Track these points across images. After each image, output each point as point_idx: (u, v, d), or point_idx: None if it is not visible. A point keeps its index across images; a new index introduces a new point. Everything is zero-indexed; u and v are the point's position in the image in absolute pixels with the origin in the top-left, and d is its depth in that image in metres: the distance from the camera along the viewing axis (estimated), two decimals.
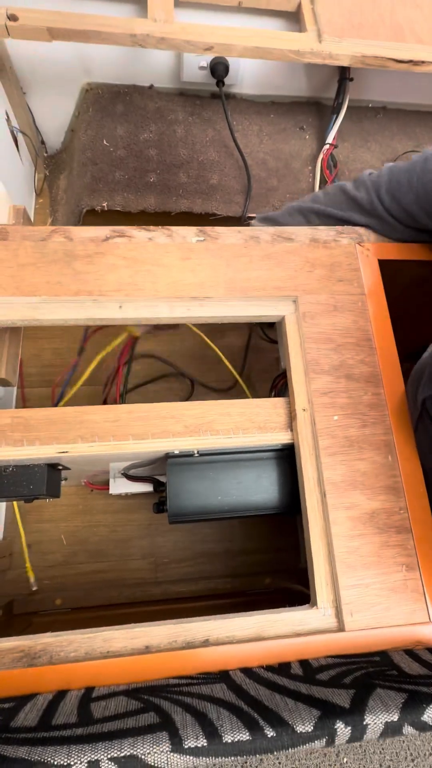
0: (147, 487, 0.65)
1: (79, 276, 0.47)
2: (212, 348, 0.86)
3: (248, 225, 0.63)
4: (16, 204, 0.62)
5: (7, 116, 0.81)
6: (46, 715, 0.30)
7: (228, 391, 0.84)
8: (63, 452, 0.44)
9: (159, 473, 0.65)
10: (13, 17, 0.62)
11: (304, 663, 0.36)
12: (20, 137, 0.86)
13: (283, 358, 0.69)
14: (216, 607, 0.66)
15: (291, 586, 0.71)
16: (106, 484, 0.69)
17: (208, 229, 0.53)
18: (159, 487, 0.60)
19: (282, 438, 0.47)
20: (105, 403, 0.70)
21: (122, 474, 0.63)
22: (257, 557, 0.76)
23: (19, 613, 0.67)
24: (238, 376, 0.71)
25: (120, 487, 0.66)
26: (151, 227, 0.52)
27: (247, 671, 0.35)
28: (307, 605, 0.41)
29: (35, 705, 0.32)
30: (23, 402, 0.81)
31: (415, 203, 0.51)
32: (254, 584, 0.73)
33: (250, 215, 0.80)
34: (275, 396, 0.70)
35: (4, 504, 0.74)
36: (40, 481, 0.47)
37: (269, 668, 0.36)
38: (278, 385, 0.78)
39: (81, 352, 0.64)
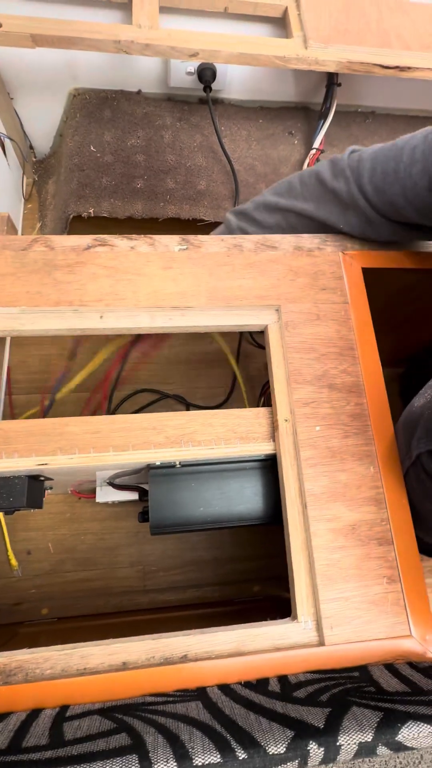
0: (133, 496, 0.65)
1: (59, 286, 0.47)
2: (199, 353, 0.85)
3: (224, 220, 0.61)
4: (1, 211, 0.62)
5: None
6: (17, 736, 0.30)
7: (220, 407, 0.83)
8: (42, 464, 0.44)
9: (144, 482, 0.64)
10: None
11: (282, 679, 0.36)
12: (7, 143, 0.85)
13: (268, 368, 0.69)
14: (203, 617, 0.65)
15: (279, 593, 0.70)
16: (93, 492, 0.68)
17: (191, 237, 0.52)
18: (144, 496, 0.60)
19: (264, 449, 0.47)
20: (93, 412, 0.71)
21: (108, 483, 0.63)
22: (246, 564, 0.76)
23: (5, 624, 0.66)
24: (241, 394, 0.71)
25: (106, 495, 0.66)
26: (134, 236, 0.52)
27: (224, 688, 0.35)
28: (288, 618, 0.40)
29: (7, 726, 0.31)
30: (11, 408, 0.81)
31: (402, 195, 0.46)
32: (243, 592, 0.73)
33: None
34: (263, 403, 0.70)
35: None
36: (20, 493, 0.46)
37: (247, 684, 0.35)
38: (266, 392, 0.78)
39: (72, 358, 0.64)
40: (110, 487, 0.65)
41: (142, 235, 0.52)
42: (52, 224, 0.88)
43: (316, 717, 0.30)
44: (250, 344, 0.84)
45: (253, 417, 0.47)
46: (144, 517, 0.59)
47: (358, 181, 0.49)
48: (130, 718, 0.31)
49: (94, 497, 0.66)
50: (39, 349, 0.85)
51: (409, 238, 0.53)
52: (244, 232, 0.57)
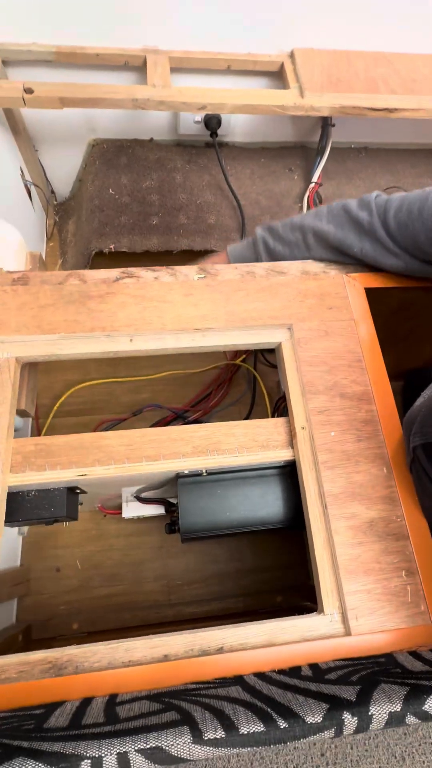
0: (158, 510, 0.68)
1: (93, 314, 0.52)
2: (212, 374, 0.90)
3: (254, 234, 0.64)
4: (32, 251, 0.68)
5: (21, 171, 0.89)
6: (76, 717, 0.33)
7: None
8: (82, 475, 0.48)
9: (169, 495, 0.68)
10: (29, 90, 0.70)
11: (313, 666, 0.38)
12: (33, 189, 0.94)
13: (282, 382, 0.74)
14: None
15: (302, 603, 0.72)
16: (119, 508, 0.72)
17: (208, 266, 0.58)
18: (170, 508, 0.63)
19: (284, 455, 0.50)
20: None
21: (134, 497, 0.67)
22: (267, 575, 0.78)
23: (38, 639, 0.69)
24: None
25: (132, 510, 0.69)
26: (157, 267, 0.57)
27: (259, 675, 0.38)
28: (315, 612, 0.43)
29: (64, 710, 0.34)
30: (37, 431, 0.85)
31: (423, 233, 0.52)
32: (266, 602, 0.75)
33: None
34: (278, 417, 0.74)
35: (19, 530, 0.77)
36: (61, 503, 0.50)
37: (281, 671, 0.38)
38: (280, 408, 0.82)
39: (136, 414, 0.72)
40: (135, 503, 0.68)
41: (164, 267, 0.58)
42: (74, 260, 0.95)
43: (348, 693, 0.32)
44: (262, 364, 0.89)
45: (272, 426, 0.52)
46: (171, 528, 0.62)
47: (382, 216, 0.55)
48: (176, 700, 0.34)
49: (120, 513, 0.70)
50: (63, 374, 0.91)
51: (423, 272, 0.57)
52: (265, 243, 0.62)
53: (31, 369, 0.58)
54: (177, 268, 0.58)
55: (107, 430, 0.73)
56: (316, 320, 0.55)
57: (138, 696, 0.36)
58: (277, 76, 0.84)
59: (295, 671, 0.38)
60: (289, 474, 0.53)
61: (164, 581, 0.77)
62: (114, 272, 0.56)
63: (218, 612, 0.73)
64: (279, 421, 0.52)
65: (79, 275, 0.56)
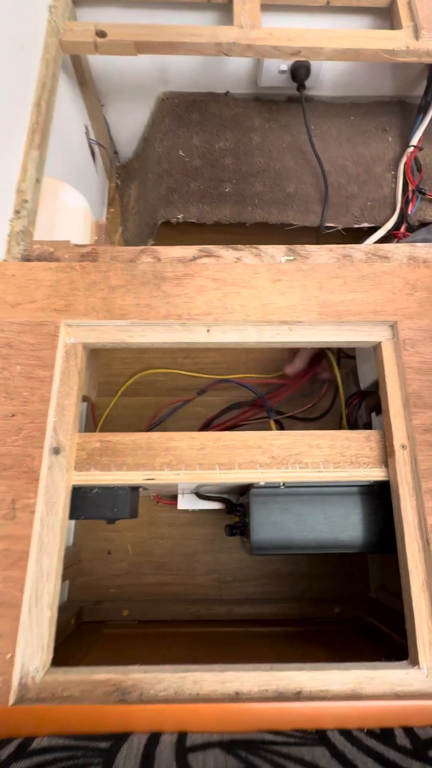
0: (214, 505, 0.65)
1: (168, 299, 0.47)
2: (280, 360, 0.83)
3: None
4: (97, 219, 0.63)
5: (86, 129, 0.82)
6: (146, 764, 0.29)
7: (317, 420, 0.78)
8: (149, 479, 0.43)
9: (229, 493, 0.63)
10: (101, 33, 0.62)
11: (409, 731, 0.33)
12: (96, 149, 0.87)
13: (361, 378, 0.66)
14: (286, 635, 0.64)
15: (362, 616, 0.67)
16: (174, 498, 0.69)
17: (297, 247, 0.50)
18: (234, 509, 0.59)
19: (376, 475, 0.44)
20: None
21: (194, 493, 0.63)
22: (324, 582, 0.73)
23: (89, 621, 0.68)
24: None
25: (188, 503, 0.66)
26: (239, 246, 0.50)
27: (346, 734, 0.33)
28: (405, 662, 0.38)
29: (131, 748, 0.31)
30: (93, 411, 0.83)
31: None
32: (322, 612, 0.70)
33: (327, 224, 0.77)
34: (348, 413, 0.67)
35: None
36: (124, 503, 0.47)
37: (370, 733, 0.33)
38: (352, 404, 0.74)
39: (201, 393, 0.67)
40: (192, 496, 0.65)
41: (248, 246, 0.50)
42: (136, 229, 0.89)
43: None
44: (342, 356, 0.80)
45: (363, 440, 0.45)
46: (233, 531, 0.58)
47: None
48: (255, 757, 0.30)
49: (175, 504, 0.66)
50: (120, 352, 0.87)
51: None
52: None
53: (93, 353, 0.54)
54: (262, 247, 0.50)
55: (169, 415, 0.68)
56: (427, 318, 0.46)
57: (210, 741, 0.32)
58: (384, 13, 0.70)
59: (388, 736, 0.33)
60: (377, 494, 0.47)
61: (215, 575, 0.74)
62: (191, 250, 0.50)
63: (271, 616, 0.69)
64: (372, 435, 0.45)
65: (152, 252, 0.49)
